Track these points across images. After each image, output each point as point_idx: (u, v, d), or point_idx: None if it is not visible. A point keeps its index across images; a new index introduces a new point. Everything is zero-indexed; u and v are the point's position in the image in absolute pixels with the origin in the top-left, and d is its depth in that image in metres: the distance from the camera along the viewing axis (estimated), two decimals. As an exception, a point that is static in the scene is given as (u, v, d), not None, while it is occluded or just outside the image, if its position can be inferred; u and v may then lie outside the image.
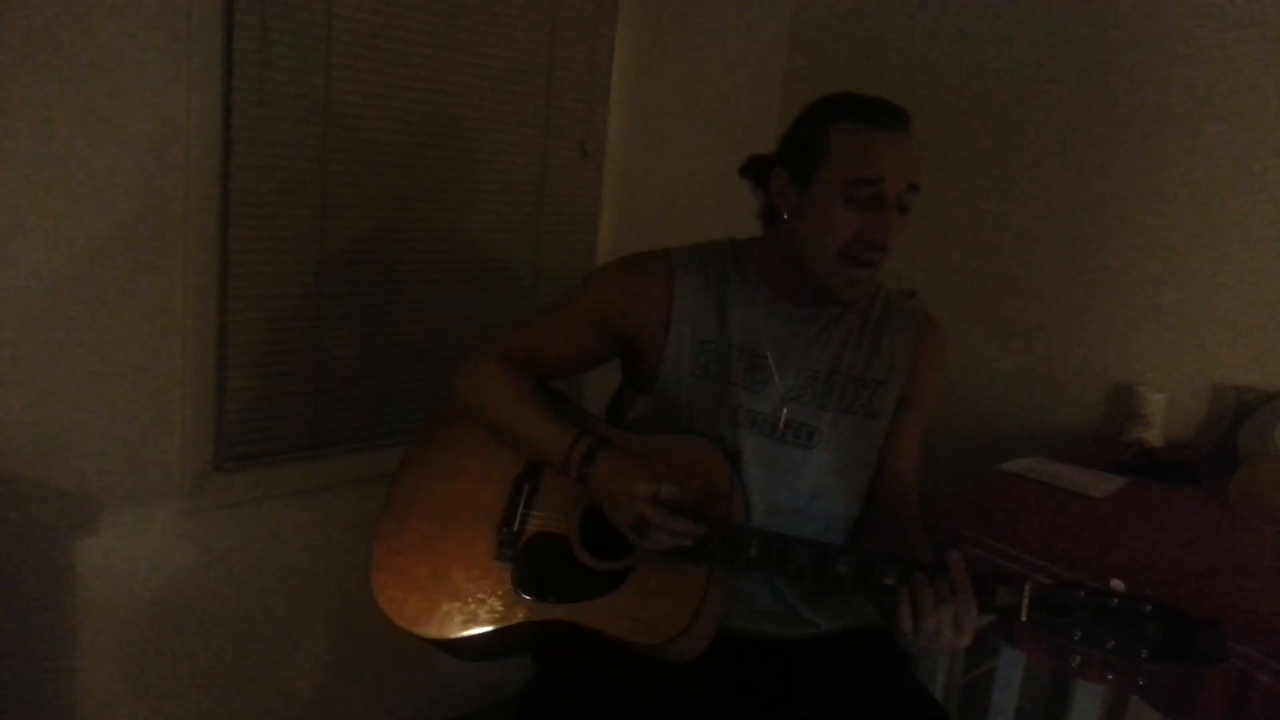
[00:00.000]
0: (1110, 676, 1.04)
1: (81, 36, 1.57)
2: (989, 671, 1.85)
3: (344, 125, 1.92)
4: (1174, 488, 1.84)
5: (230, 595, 1.96)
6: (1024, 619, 1.04)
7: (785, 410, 1.30)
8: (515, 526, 1.30)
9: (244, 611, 1.99)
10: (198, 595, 1.92)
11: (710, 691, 1.25)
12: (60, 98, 1.57)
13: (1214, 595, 1.39)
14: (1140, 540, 1.56)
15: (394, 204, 2.04)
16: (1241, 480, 1.78)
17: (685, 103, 2.53)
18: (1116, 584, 1.03)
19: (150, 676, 1.89)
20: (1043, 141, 2.31)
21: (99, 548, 1.76)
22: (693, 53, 2.52)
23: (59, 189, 1.60)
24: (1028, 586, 1.04)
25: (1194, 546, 1.57)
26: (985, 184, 2.42)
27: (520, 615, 1.25)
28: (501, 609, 1.26)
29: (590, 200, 2.40)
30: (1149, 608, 1.00)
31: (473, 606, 1.27)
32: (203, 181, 1.74)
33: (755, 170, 1.36)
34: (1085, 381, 2.26)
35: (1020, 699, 1.71)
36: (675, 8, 2.45)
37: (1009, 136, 2.37)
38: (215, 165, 1.75)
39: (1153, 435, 2.07)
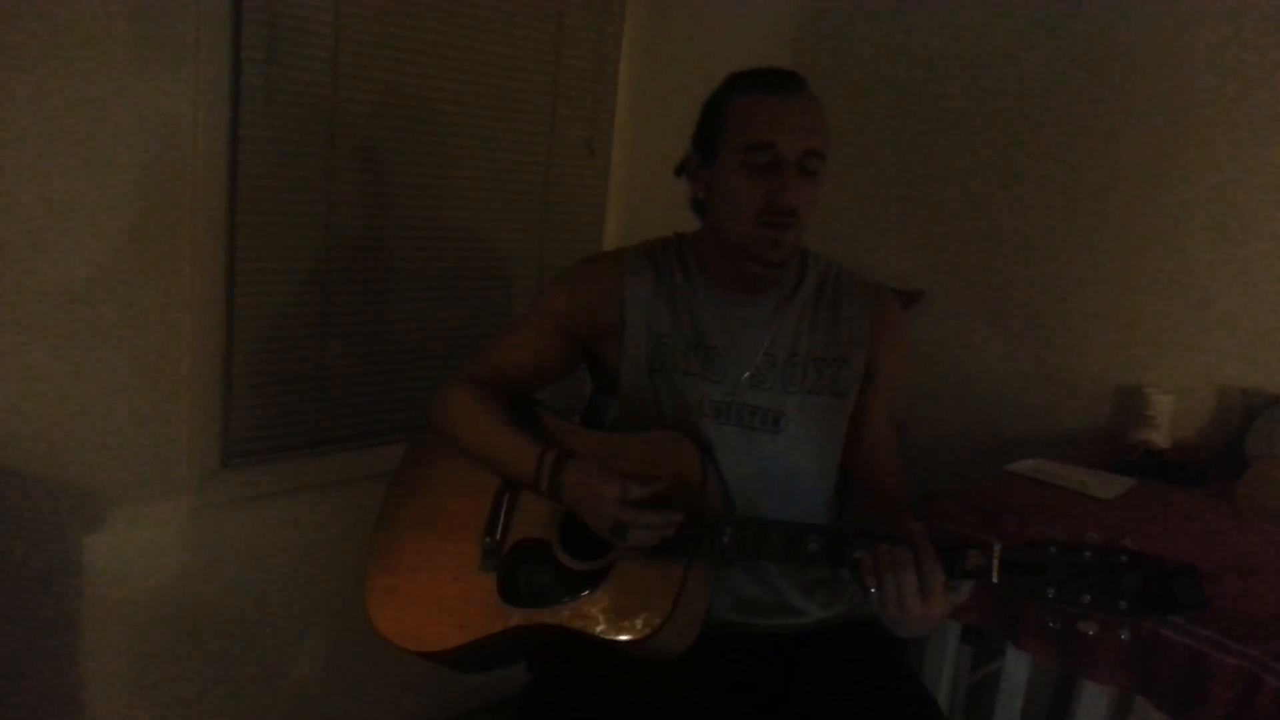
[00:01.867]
0: (1091, 632, 0.99)
1: (88, 35, 1.57)
2: (994, 673, 1.84)
3: (351, 124, 1.93)
4: (1181, 489, 1.84)
5: (236, 591, 1.97)
6: (995, 580, 1.01)
7: (747, 396, 1.30)
8: (498, 535, 1.32)
9: (249, 607, 2.00)
10: (203, 591, 1.92)
11: (704, 689, 1.25)
12: (67, 96, 1.57)
13: (1221, 597, 1.39)
14: (1146, 542, 1.55)
15: (400, 202, 2.05)
16: (1248, 482, 1.77)
17: (691, 102, 2.52)
18: (1091, 536, 1.00)
19: (155, 672, 1.90)
20: (1049, 143, 2.31)
21: (105, 543, 1.76)
22: (699, 52, 2.52)
23: (67, 187, 1.60)
24: (997, 547, 1.02)
25: (1200, 548, 1.57)
26: (991, 184, 2.41)
27: (507, 622, 1.26)
28: (490, 618, 1.27)
29: (596, 199, 2.40)
30: (1124, 558, 0.97)
31: (462, 618, 1.28)
32: (210, 180, 1.74)
33: (681, 164, 1.39)
34: (1091, 382, 2.26)
35: (1025, 701, 1.71)
36: (681, 6, 2.45)
37: (1015, 137, 2.37)
38: (222, 163, 1.76)
39: (1159, 437, 2.06)
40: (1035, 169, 2.33)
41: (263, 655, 2.04)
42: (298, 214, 1.90)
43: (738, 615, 1.30)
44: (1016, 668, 1.69)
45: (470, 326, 2.22)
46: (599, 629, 1.20)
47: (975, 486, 1.79)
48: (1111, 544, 0.99)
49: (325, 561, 2.07)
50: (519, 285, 2.30)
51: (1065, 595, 0.98)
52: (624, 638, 1.19)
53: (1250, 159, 2.03)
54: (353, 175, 1.96)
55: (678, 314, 1.33)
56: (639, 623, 1.18)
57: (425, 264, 2.12)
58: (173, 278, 1.74)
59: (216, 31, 1.70)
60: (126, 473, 1.76)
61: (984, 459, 2.16)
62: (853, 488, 1.36)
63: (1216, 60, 2.06)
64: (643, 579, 1.21)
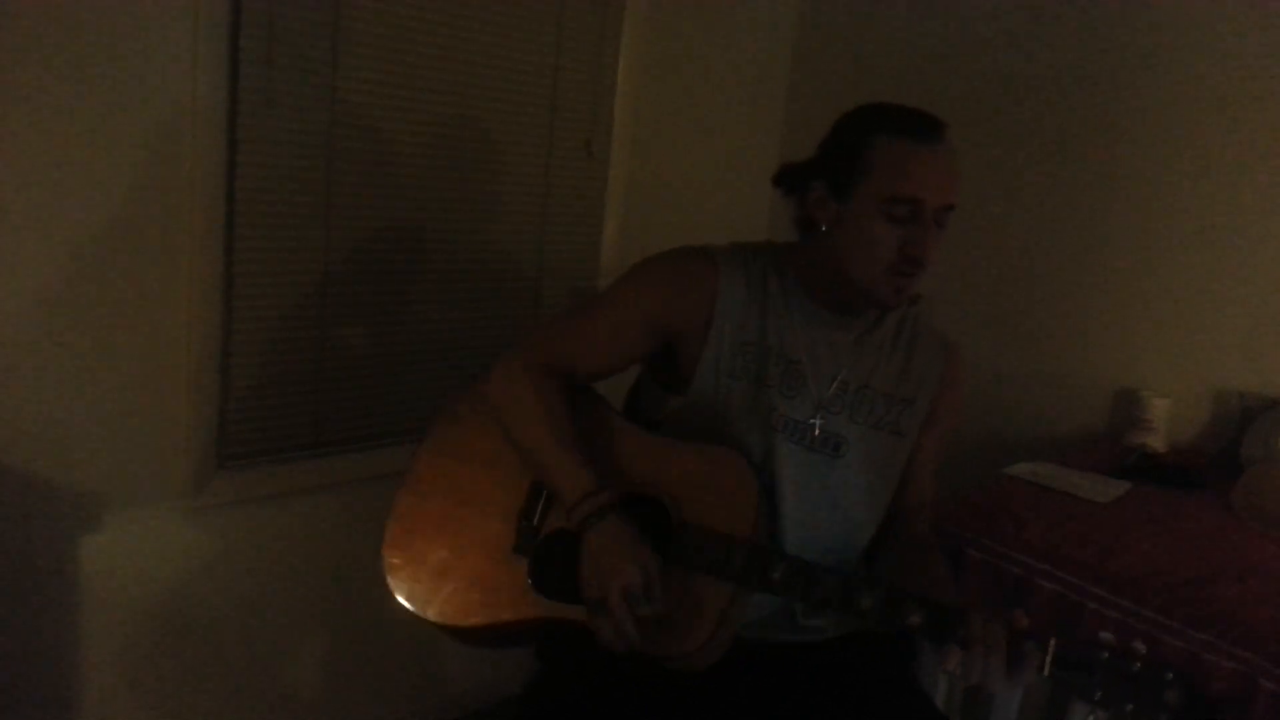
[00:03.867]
0: None
1: (88, 33, 1.57)
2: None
3: (350, 124, 1.92)
4: (1178, 493, 1.84)
5: (233, 594, 1.96)
6: (1045, 673, 1.05)
7: (818, 418, 1.30)
8: (535, 520, 1.29)
9: (246, 610, 1.99)
10: (200, 593, 1.92)
11: (713, 698, 1.25)
12: (67, 95, 1.57)
13: (1217, 601, 1.39)
14: (1144, 545, 1.56)
15: (399, 204, 2.05)
16: (1245, 486, 1.78)
17: (690, 104, 2.53)
18: (1139, 647, 1.04)
19: (152, 674, 1.89)
20: (1048, 146, 2.31)
21: (102, 546, 1.76)
22: (698, 54, 2.52)
23: (64, 186, 1.60)
24: (1052, 643, 1.05)
25: (1197, 552, 1.57)
26: (989, 188, 2.41)
27: (532, 611, 1.24)
28: (514, 603, 1.25)
29: (595, 201, 2.40)
30: (1170, 675, 1.01)
31: (485, 596, 1.26)
32: (208, 180, 1.74)
33: (789, 179, 1.33)
34: (1089, 386, 2.26)
35: (1023, 702, 1.71)
36: (680, 9, 2.45)
37: (1014, 141, 2.37)
38: (221, 163, 1.76)
39: (1156, 440, 2.06)
40: (1033, 172, 2.33)
41: (259, 657, 2.04)
42: (296, 215, 1.90)
43: (750, 630, 1.29)
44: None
45: (469, 327, 2.22)
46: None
47: (973, 489, 1.79)
48: (1159, 660, 1.07)
49: (322, 563, 2.07)
50: (518, 286, 2.30)
51: (1110, 699, 1.03)
52: (657, 652, 1.17)
53: (1249, 162, 2.03)
54: (351, 177, 1.96)
55: (766, 323, 1.31)
56: (675, 641, 1.17)
57: (424, 265, 2.12)
58: (170, 279, 1.74)
59: (215, 33, 1.69)
60: (123, 474, 1.76)
61: (981, 462, 2.15)
62: (892, 526, 1.36)
63: (1216, 62, 2.06)
64: (687, 596, 1.18)
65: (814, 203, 1.28)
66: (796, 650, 1.31)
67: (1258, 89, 2.01)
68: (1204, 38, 2.07)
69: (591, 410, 1.35)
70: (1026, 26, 2.32)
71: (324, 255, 1.95)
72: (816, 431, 1.29)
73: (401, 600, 1.29)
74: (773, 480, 1.27)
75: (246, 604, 1.99)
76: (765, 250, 1.36)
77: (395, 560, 1.31)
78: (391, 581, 1.30)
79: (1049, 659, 1.05)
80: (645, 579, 1.15)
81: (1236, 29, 2.03)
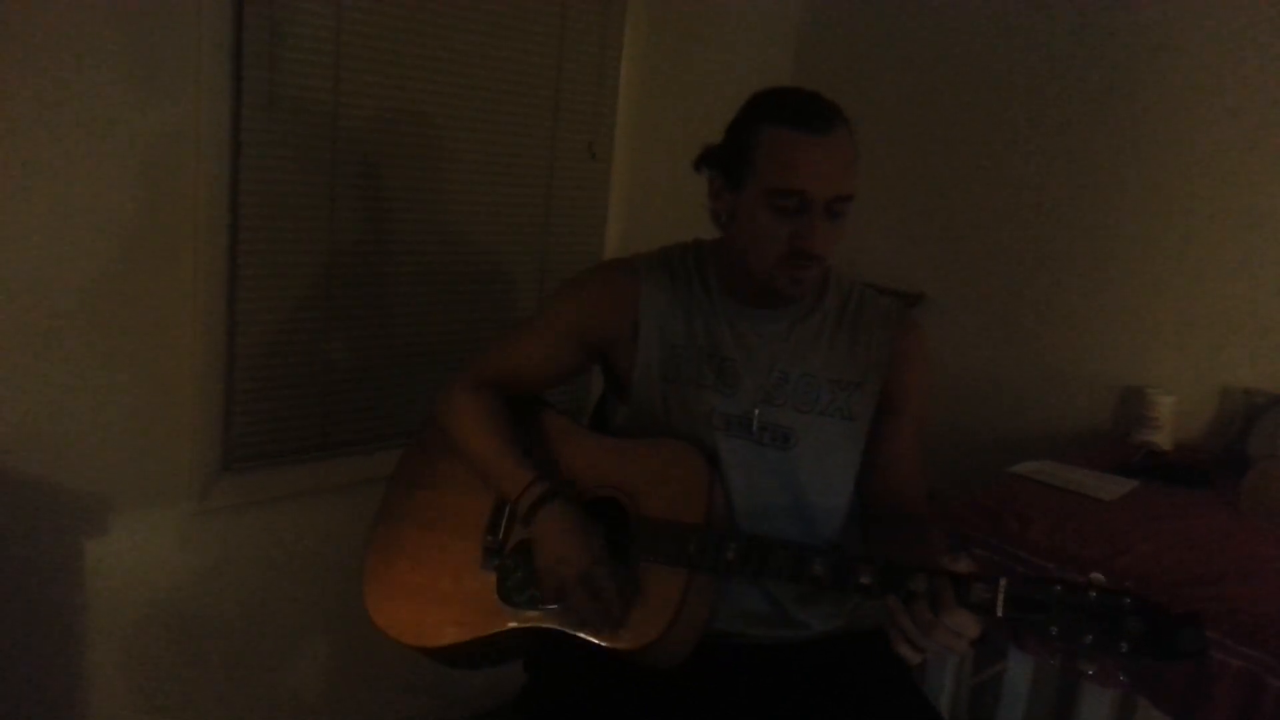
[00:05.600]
0: (1090, 672, 0.98)
1: (91, 44, 1.58)
2: (998, 675, 1.84)
3: (353, 128, 1.93)
4: (1183, 491, 1.83)
5: (238, 596, 1.97)
6: (999, 614, 1.01)
7: (758, 411, 1.29)
8: (499, 535, 1.31)
9: (252, 612, 2.00)
10: (206, 596, 1.92)
11: (703, 698, 1.25)
12: (70, 104, 1.57)
13: (1223, 598, 1.38)
14: (1149, 543, 1.56)
15: (402, 207, 2.05)
16: (1251, 483, 1.77)
17: (692, 105, 2.53)
18: (1095, 576, 0.99)
19: (157, 676, 1.90)
20: (1051, 145, 2.31)
21: (108, 548, 1.77)
22: (700, 56, 2.52)
23: (69, 191, 1.61)
24: (1003, 582, 1.01)
25: (1203, 550, 1.57)
26: (992, 186, 2.41)
27: (505, 623, 1.26)
28: (487, 617, 1.27)
29: (598, 203, 2.40)
30: (1128, 601, 0.96)
31: (460, 615, 1.28)
32: (212, 184, 1.75)
33: (699, 166, 1.33)
34: (1094, 384, 2.26)
35: (1028, 702, 1.71)
36: (682, 11, 2.45)
37: (1017, 138, 2.37)
38: (225, 167, 1.76)
39: (1162, 438, 2.06)
40: (1037, 170, 2.33)
41: (264, 660, 2.04)
42: (300, 219, 1.90)
43: (738, 626, 1.29)
44: (1020, 669, 1.69)
45: (473, 329, 2.22)
46: (596, 635, 1.20)
47: (978, 488, 1.79)
48: (1117, 586, 0.99)
49: (327, 566, 2.07)
50: (521, 288, 2.30)
51: (1067, 634, 0.98)
52: (621, 646, 1.18)
53: (1254, 158, 2.02)
54: (354, 180, 1.96)
55: (693, 324, 1.31)
56: (637, 632, 1.18)
57: (428, 268, 2.12)
58: (175, 282, 1.75)
59: (218, 39, 1.70)
60: (128, 476, 1.76)
61: (986, 460, 2.15)
62: (873, 510, 1.35)
63: (1219, 61, 2.06)
64: (644, 588, 1.20)
65: (712, 194, 1.28)
66: (790, 650, 1.30)
67: (1264, 85, 2.00)
68: (1209, 36, 2.07)
69: (541, 418, 1.39)
70: (1028, 25, 2.32)
71: (328, 257, 1.96)
72: (756, 425, 1.28)
73: (384, 630, 1.32)
74: (723, 478, 1.27)
75: (252, 606, 1.99)
76: (689, 249, 1.37)
77: (374, 589, 1.35)
78: (372, 613, 1.33)
79: (1000, 599, 1.00)
80: (598, 564, 1.18)
81: (1240, 26, 2.02)
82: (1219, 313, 2.08)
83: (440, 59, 2.02)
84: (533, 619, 1.24)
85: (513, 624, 1.25)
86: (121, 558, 1.78)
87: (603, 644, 1.19)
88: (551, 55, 2.21)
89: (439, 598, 1.31)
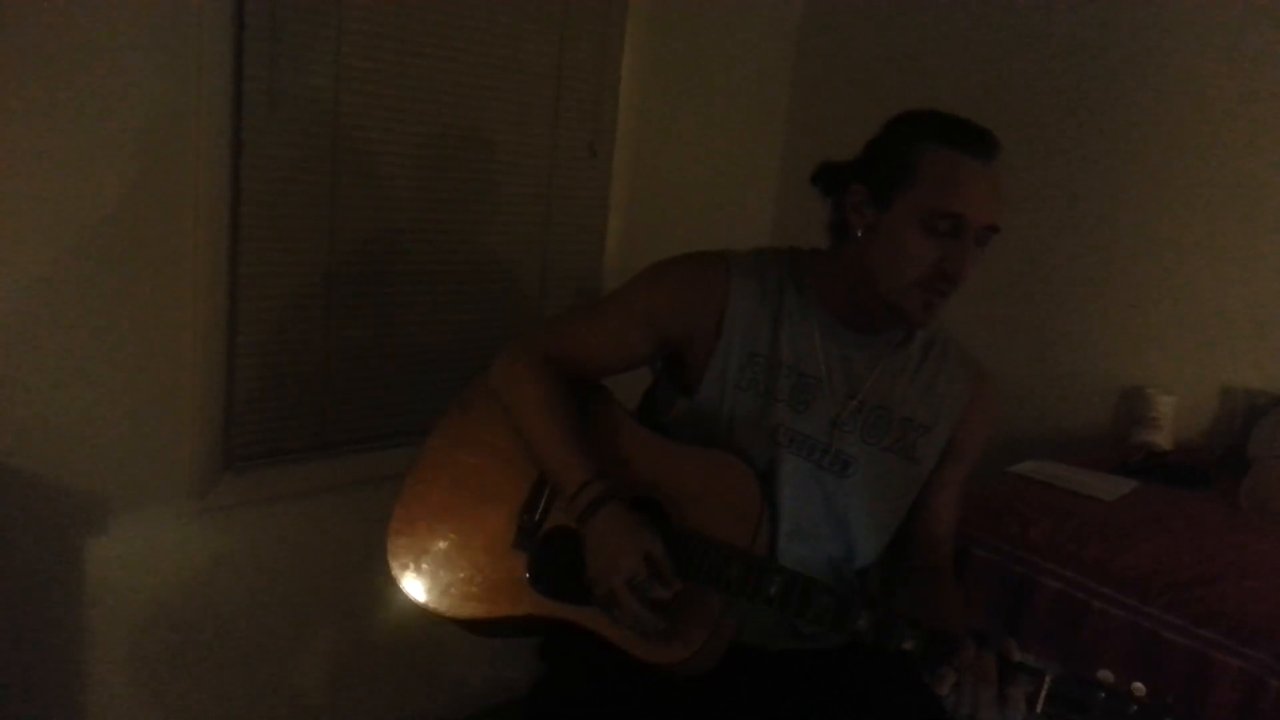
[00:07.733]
0: None
1: (92, 39, 1.58)
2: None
3: (354, 126, 1.93)
4: (1184, 491, 1.83)
5: (238, 595, 1.97)
6: (1039, 710, 1.02)
7: (826, 435, 1.26)
8: (537, 516, 1.28)
9: (252, 611, 2.00)
10: (206, 594, 1.92)
11: (716, 704, 1.24)
12: (71, 100, 1.57)
13: (1224, 599, 1.38)
14: (1149, 543, 1.56)
15: (403, 205, 2.05)
16: (1252, 483, 1.77)
17: (693, 105, 2.53)
18: (1138, 687, 1.00)
19: (158, 675, 1.90)
20: (1053, 146, 2.31)
21: (108, 547, 1.77)
22: (701, 54, 2.52)
23: (69, 188, 1.61)
24: (1047, 679, 1.02)
25: (1204, 550, 1.57)
26: (994, 186, 2.41)
27: (528, 608, 1.24)
28: (510, 598, 1.25)
29: (599, 201, 2.40)
30: (1168, 719, 0.97)
31: (482, 589, 1.26)
32: (213, 181, 1.75)
33: (828, 179, 1.29)
34: (1094, 384, 2.25)
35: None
36: (684, 9, 2.45)
37: (1017, 138, 2.35)
38: (225, 165, 1.76)
39: (1162, 438, 2.06)
40: (1038, 172, 2.33)
41: (265, 659, 2.04)
42: (301, 217, 1.90)
43: (755, 636, 1.27)
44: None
45: (474, 328, 2.22)
46: (626, 643, 1.18)
47: (978, 488, 1.79)
48: (1159, 698, 0.99)
49: (329, 565, 2.08)
50: (522, 287, 2.30)
51: None
52: (652, 660, 1.17)
53: (1255, 159, 2.02)
54: (356, 178, 1.96)
55: (778, 334, 1.27)
56: (672, 648, 1.16)
57: (429, 266, 2.12)
58: (176, 281, 1.75)
59: (219, 36, 1.70)
60: (129, 476, 1.76)
61: (986, 460, 2.15)
62: (909, 554, 1.33)
63: (1222, 62, 2.05)
64: (680, 604, 1.17)
65: (852, 206, 1.23)
66: (801, 656, 1.30)
67: (1266, 86, 2.00)
68: (1211, 38, 2.06)
69: (597, 407, 1.34)
70: (1031, 28, 2.32)
71: (329, 256, 1.96)
72: (823, 448, 1.26)
73: (401, 585, 1.29)
74: (773, 493, 1.25)
75: (253, 605, 1.99)
76: (784, 257, 1.32)
77: (398, 543, 1.31)
78: (393, 565, 1.30)
79: (1043, 695, 1.01)
80: (650, 563, 1.15)
81: (1245, 30, 2.02)
82: (1220, 313, 2.08)
83: (441, 57, 2.02)
84: (563, 612, 1.22)
85: (540, 611, 1.23)
86: (122, 557, 1.78)
87: (635, 654, 1.17)
88: (552, 54, 2.21)
89: (465, 568, 1.28)
